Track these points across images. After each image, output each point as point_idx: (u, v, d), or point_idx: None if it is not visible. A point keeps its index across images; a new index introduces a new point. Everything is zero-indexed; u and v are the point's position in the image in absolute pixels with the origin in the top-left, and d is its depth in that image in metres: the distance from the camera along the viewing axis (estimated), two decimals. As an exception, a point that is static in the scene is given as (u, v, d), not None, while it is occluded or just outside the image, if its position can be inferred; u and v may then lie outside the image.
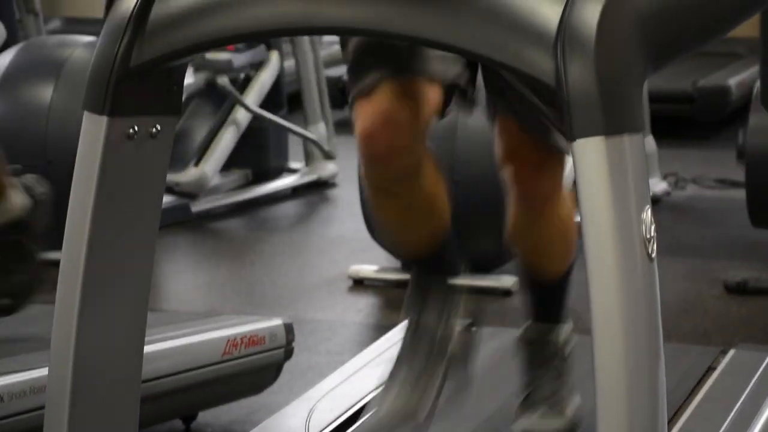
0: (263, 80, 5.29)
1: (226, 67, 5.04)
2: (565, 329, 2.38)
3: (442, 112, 2.17)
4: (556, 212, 2.28)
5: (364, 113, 2.07)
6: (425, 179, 2.17)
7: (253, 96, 5.23)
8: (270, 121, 5.19)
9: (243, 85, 5.25)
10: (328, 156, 5.35)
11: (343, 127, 6.40)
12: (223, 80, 5.05)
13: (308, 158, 5.37)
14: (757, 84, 4.10)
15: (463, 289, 2.25)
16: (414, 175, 2.15)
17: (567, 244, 2.32)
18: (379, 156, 2.10)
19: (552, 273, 2.34)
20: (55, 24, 7.27)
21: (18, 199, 2.73)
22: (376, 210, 2.24)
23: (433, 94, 2.11)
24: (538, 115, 1.72)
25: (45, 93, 4.20)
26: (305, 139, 5.34)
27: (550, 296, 2.38)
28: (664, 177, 5.19)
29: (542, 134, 2.17)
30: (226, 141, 5.13)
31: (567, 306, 2.38)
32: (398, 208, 2.19)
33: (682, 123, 6.19)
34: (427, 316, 2.20)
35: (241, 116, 5.17)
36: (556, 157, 2.23)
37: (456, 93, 2.16)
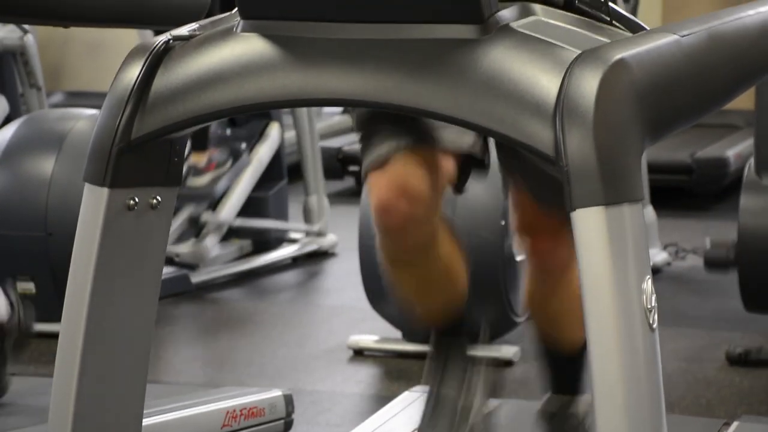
0: (263, 152, 5.30)
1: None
2: (585, 400, 2.35)
3: (461, 184, 2.16)
4: (573, 282, 2.27)
5: (379, 185, 2.06)
6: (441, 249, 2.16)
7: (254, 168, 5.24)
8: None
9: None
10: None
11: (342, 197, 6.41)
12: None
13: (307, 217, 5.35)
14: (749, 162, 4.04)
15: (483, 359, 2.23)
16: (430, 245, 2.14)
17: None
18: (395, 227, 2.09)
19: (570, 344, 2.31)
20: (58, 98, 7.31)
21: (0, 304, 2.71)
22: (393, 281, 2.22)
23: (447, 164, 2.11)
24: (551, 188, 1.71)
25: (46, 166, 4.21)
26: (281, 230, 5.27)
27: (569, 368, 2.35)
28: (665, 247, 5.19)
29: (557, 206, 2.16)
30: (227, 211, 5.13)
31: (585, 377, 2.36)
32: (415, 278, 2.18)
33: (682, 194, 6.20)
34: (447, 387, 2.18)
35: (242, 187, 5.18)
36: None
37: (472, 163, 2.16)
